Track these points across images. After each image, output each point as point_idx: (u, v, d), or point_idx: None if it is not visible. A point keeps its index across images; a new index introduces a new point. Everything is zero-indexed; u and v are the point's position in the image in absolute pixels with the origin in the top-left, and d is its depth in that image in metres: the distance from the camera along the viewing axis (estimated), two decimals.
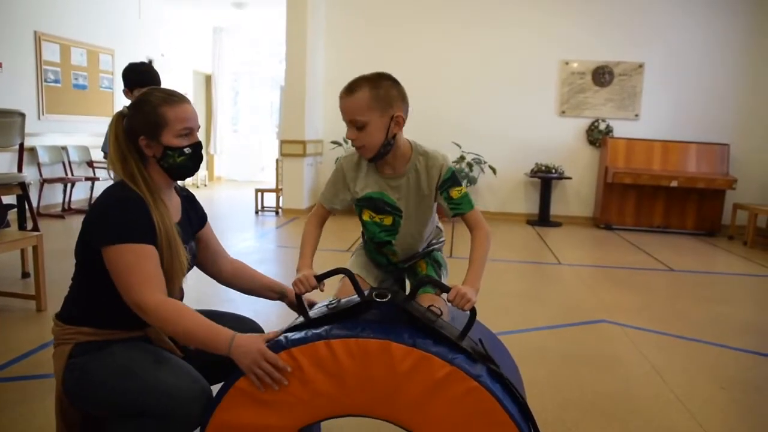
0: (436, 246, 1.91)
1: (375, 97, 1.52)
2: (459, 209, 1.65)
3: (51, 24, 6.56)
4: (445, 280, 1.82)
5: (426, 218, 1.74)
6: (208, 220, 1.79)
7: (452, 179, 1.64)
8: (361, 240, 1.93)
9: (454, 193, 1.64)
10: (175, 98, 1.50)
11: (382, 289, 1.35)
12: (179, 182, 1.67)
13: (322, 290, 1.58)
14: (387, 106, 1.53)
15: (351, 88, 1.54)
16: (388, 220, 1.73)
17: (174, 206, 1.61)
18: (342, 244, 5.43)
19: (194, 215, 1.72)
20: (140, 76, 2.83)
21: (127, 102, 2.85)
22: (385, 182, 1.68)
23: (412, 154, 1.65)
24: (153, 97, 1.50)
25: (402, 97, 1.57)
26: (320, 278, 1.52)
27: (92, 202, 7.14)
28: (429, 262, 1.86)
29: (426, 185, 1.66)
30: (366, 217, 1.75)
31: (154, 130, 1.47)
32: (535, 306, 3.73)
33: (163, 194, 1.54)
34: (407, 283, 1.93)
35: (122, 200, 1.44)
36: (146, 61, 8.30)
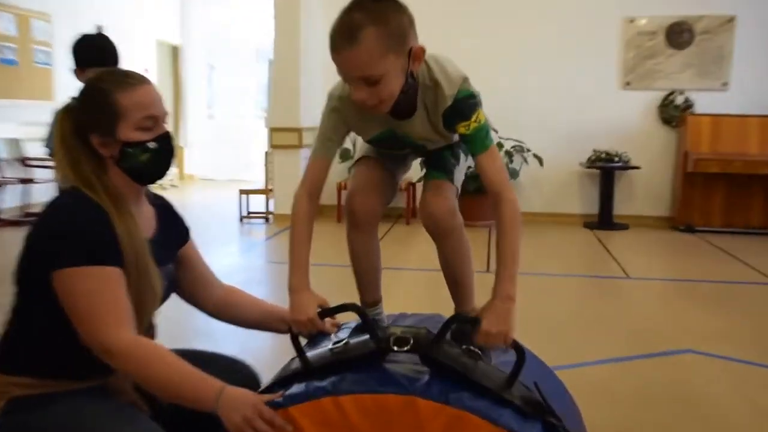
0: None
1: (387, 36, 1.37)
2: (470, 148, 1.59)
3: None
4: (464, 163, 1.80)
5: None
6: (191, 236, 1.79)
7: (456, 110, 1.53)
8: None
9: (461, 128, 1.54)
10: (131, 80, 1.50)
11: (403, 334, 1.35)
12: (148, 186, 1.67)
13: (327, 332, 1.59)
14: (402, 42, 1.41)
15: (351, 35, 1.36)
16: (408, 151, 1.75)
17: (145, 219, 1.61)
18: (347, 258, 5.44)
19: (174, 230, 1.72)
20: (95, 52, 2.85)
21: (79, 85, 2.88)
22: (394, 122, 1.61)
23: (418, 88, 1.54)
24: (102, 82, 1.50)
25: (411, 21, 1.45)
26: (325, 315, 1.52)
27: (27, 213, 7.20)
28: (447, 147, 1.79)
29: (439, 123, 1.59)
30: (380, 150, 1.77)
31: (108, 123, 1.46)
32: (598, 332, 3.73)
33: (130, 204, 1.53)
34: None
35: (76, 211, 1.44)
36: (96, 29, 8.41)
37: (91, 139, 1.48)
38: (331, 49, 1.40)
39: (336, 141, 1.65)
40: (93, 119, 1.48)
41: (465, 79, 1.55)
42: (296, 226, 1.65)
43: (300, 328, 1.53)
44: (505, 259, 1.52)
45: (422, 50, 1.46)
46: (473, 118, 1.53)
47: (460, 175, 1.77)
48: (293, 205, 1.67)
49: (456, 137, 1.68)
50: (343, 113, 1.61)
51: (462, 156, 1.79)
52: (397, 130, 1.63)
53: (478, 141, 1.55)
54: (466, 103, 1.53)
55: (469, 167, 1.81)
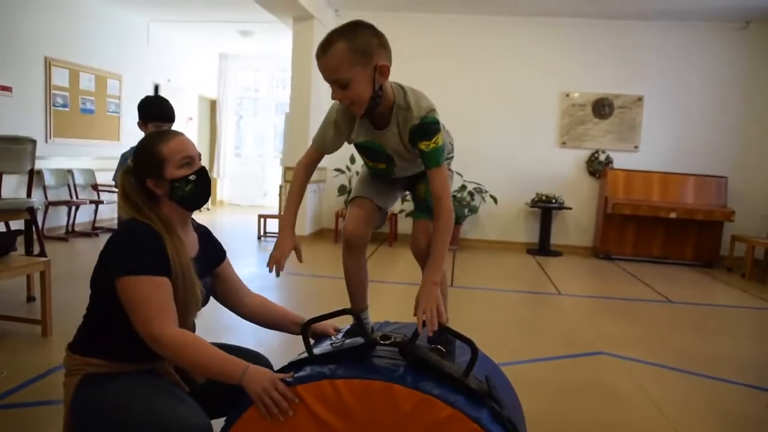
0: None
1: (353, 50, 1.43)
2: (425, 163, 1.60)
3: (61, 49, 6.68)
4: None
5: (418, 161, 1.70)
6: (227, 256, 1.82)
7: (421, 131, 1.56)
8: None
9: (422, 146, 1.57)
10: (168, 134, 1.59)
11: (387, 332, 1.40)
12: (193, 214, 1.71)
13: (300, 260, 1.65)
14: (368, 57, 1.44)
15: (325, 46, 1.44)
16: (381, 165, 1.74)
17: (190, 242, 1.65)
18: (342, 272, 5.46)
19: (212, 251, 1.76)
20: (155, 109, 2.87)
21: (141, 134, 2.91)
22: (374, 134, 1.65)
23: (394, 106, 1.58)
24: (147, 140, 1.59)
25: (382, 44, 1.48)
26: (320, 319, 1.56)
27: (95, 225, 7.21)
28: (428, 184, 1.79)
29: (406, 139, 1.61)
30: (362, 158, 1.80)
31: (157, 168, 1.54)
32: (534, 337, 3.75)
33: (178, 230, 1.58)
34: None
35: (138, 234, 1.49)
36: (154, 86, 8.46)
37: (147, 183, 1.55)
38: (316, 57, 1.47)
39: (327, 139, 1.70)
40: (146, 168, 1.55)
41: (432, 109, 1.58)
42: (293, 184, 1.75)
43: (271, 260, 1.61)
44: (435, 254, 1.59)
45: (386, 67, 1.48)
46: (433, 140, 1.56)
47: None
48: (294, 170, 1.77)
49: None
50: (339, 121, 1.67)
51: None
52: (375, 141, 1.66)
53: (433, 158, 1.58)
54: (430, 128, 1.56)
55: None
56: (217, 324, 3.39)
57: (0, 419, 2.27)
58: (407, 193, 1.98)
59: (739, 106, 7.15)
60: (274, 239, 7.38)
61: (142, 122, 2.85)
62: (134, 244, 1.47)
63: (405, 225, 7.35)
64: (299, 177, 1.75)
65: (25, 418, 2.29)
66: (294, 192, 1.74)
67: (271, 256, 1.63)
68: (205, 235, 1.76)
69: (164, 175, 1.54)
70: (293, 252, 1.66)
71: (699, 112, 7.21)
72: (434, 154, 1.58)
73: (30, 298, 3.84)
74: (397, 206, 6.99)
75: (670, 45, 7.19)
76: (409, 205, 6.58)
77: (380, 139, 1.65)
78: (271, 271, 1.62)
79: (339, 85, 1.47)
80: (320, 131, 1.72)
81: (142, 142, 1.60)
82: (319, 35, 7.19)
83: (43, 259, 3.27)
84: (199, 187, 1.58)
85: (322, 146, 1.73)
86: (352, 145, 1.76)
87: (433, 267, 1.57)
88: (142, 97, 3.01)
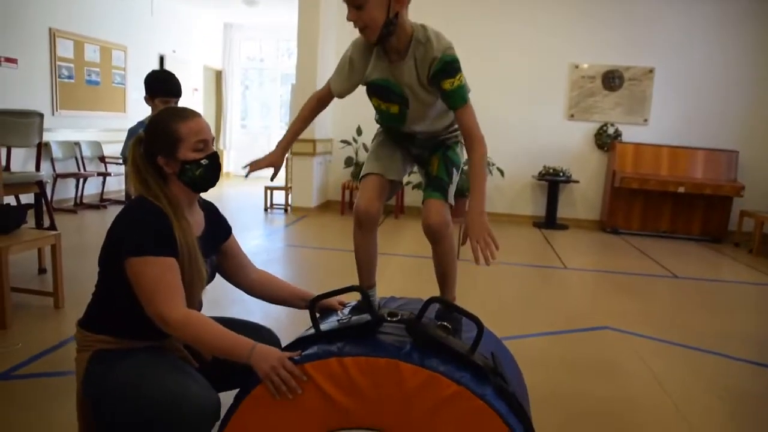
0: (454, 135, 1.86)
1: None
2: (450, 103, 1.62)
3: (65, 20, 6.64)
4: (455, 179, 1.84)
5: (433, 108, 1.72)
6: (232, 233, 1.84)
7: (443, 70, 1.57)
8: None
9: (446, 84, 1.58)
10: (187, 114, 1.56)
11: (393, 308, 1.41)
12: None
13: (271, 179, 1.83)
14: None
15: None
16: (394, 109, 1.74)
17: (196, 221, 1.66)
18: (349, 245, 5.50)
19: (218, 228, 1.77)
20: (162, 85, 2.86)
21: (148, 109, 2.90)
22: (389, 69, 1.66)
23: (412, 41, 1.59)
24: (165, 116, 1.56)
25: None
26: (328, 295, 1.59)
27: (103, 197, 7.26)
28: (442, 159, 1.82)
29: (424, 76, 1.61)
30: (374, 102, 1.80)
31: (171, 147, 1.52)
32: (539, 311, 3.78)
33: (186, 210, 1.58)
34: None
35: (146, 214, 1.50)
36: (159, 57, 8.41)
37: (157, 160, 1.54)
38: None
39: (342, 78, 1.75)
40: (159, 145, 1.53)
41: (451, 47, 1.61)
42: (302, 110, 1.84)
43: (253, 165, 1.79)
44: (476, 184, 1.61)
45: None
46: (456, 77, 1.59)
47: (452, 191, 1.82)
48: (307, 100, 1.85)
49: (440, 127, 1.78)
50: (354, 58, 1.70)
51: (454, 174, 1.83)
52: (390, 77, 1.67)
53: (459, 97, 1.61)
54: (452, 66, 1.59)
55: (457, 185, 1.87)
56: (225, 298, 3.44)
57: (14, 390, 2.33)
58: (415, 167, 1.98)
59: (752, 79, 7.04)
60: (281, 212, 7.45)
61: (149, 97, 2.84)
62: (144, 224, 1.47)
63: (411, 197, 7.35)
64: (309, 105, 1.83)
65: (38, 389, 2.34)
66: (300, 117, 1.84)
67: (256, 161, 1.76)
68: (211, 212, 1.77)
69: (177, 155, 1.53)
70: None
71: (711, 85, 7.10)
72: (460, 91, 1.60)
73: (41, 270, 3.90)
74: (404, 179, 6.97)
75: (682, 16, 7.05)
76: (415, 177, 6.57)
77: (395, 75, 1.66)
78: (243, 168, 1.76)
79: (354, 6, 1.49)
80: (336, 70, 1.76)
81: (158, 117, 1.58)
82: (325, 5, 7.12)
83: (54, 232, 3.31)
84: (209, 172, 1.58)
85: (336, 85, 1.76)
86: (364, 91, 1.77)
87: (477, 196, 1.60)
88: (149, 70, 3.00)
